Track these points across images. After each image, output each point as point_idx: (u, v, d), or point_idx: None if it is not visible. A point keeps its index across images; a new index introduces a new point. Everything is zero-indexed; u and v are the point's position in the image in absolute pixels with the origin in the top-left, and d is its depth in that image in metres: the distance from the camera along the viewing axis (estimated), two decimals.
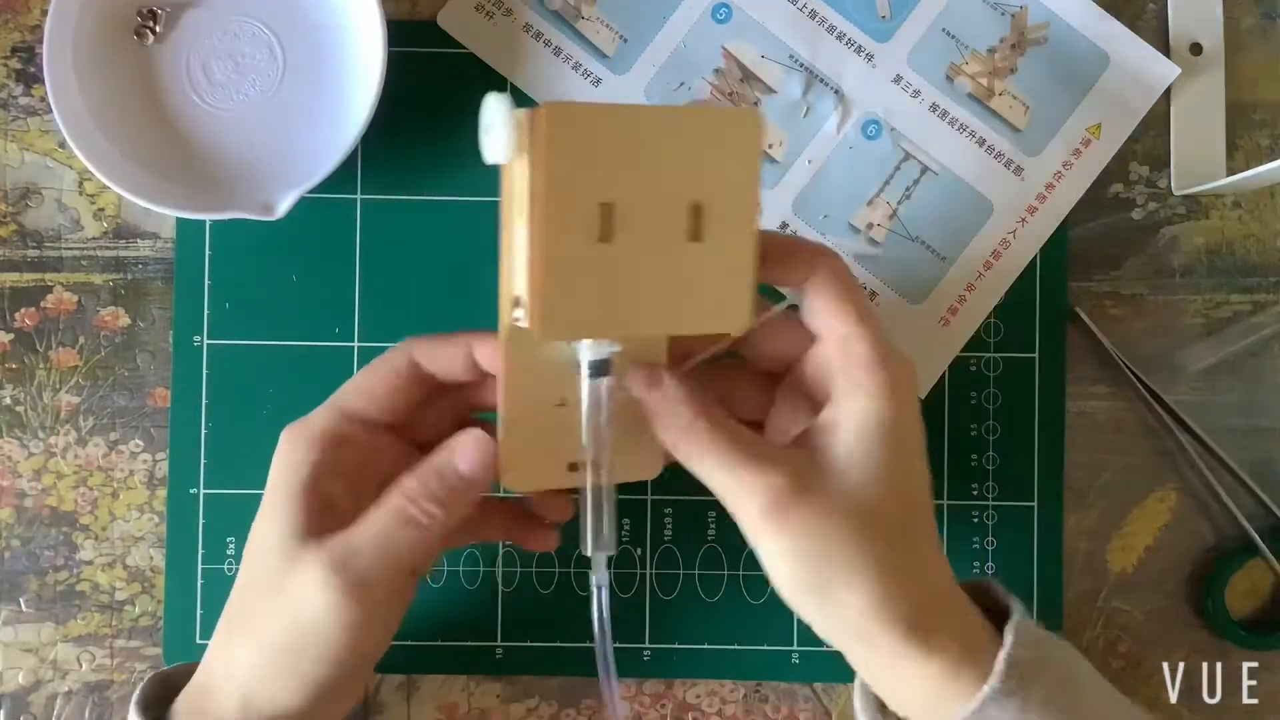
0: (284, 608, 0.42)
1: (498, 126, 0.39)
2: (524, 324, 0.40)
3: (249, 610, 0.43)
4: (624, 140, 0.39)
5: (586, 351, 0.42)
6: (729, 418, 0.42)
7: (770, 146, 0.54)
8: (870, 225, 0.54)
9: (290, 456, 0.43)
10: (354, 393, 0.45)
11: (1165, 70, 0.54)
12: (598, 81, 0.54)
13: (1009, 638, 0.42)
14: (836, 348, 0.42)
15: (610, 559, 0.44)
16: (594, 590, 0.44)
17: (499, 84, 0.54)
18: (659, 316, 0.41)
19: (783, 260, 0.43)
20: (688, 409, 0.42)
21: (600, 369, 0.43)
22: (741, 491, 0.41)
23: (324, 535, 0.42)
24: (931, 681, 0.42)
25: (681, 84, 0.54)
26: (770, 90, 0.54)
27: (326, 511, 0.43)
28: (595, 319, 0.40)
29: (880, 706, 0.46)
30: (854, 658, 0.43)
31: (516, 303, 0.41)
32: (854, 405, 0.41)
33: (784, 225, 0.54)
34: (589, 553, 0.44)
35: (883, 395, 0.41)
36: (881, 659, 0.42)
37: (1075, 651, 0.45)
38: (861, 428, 0.41)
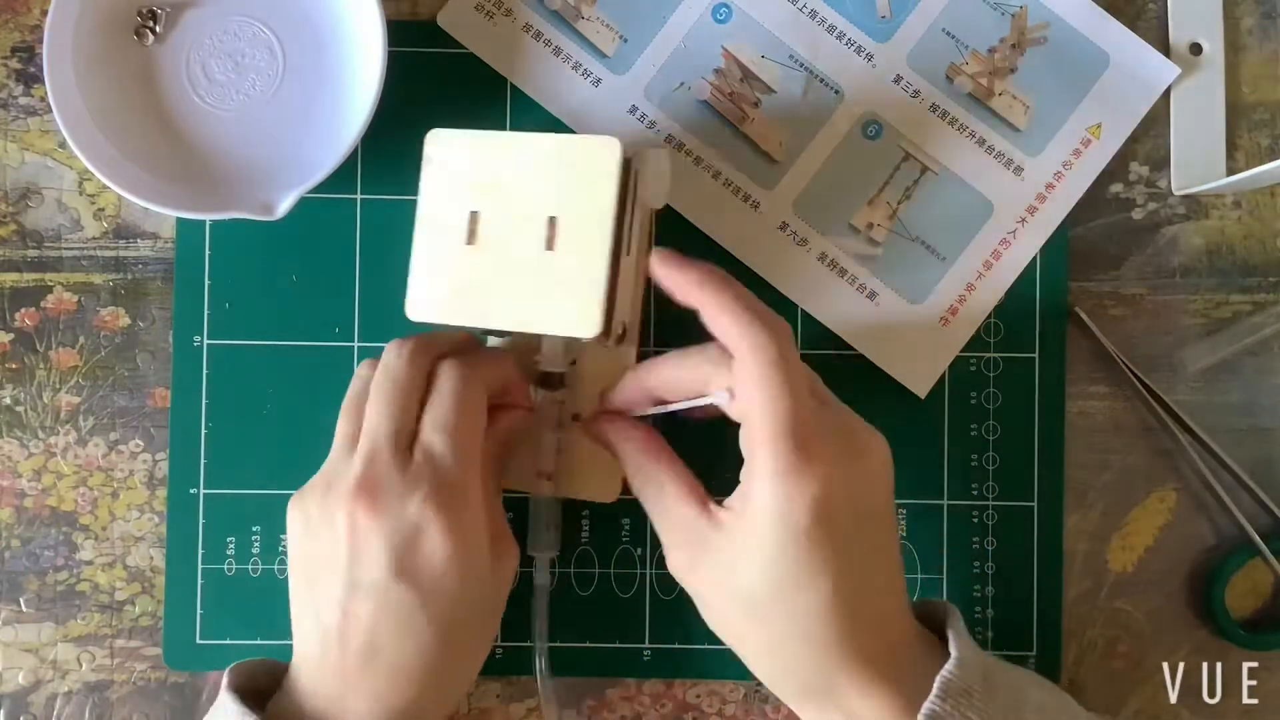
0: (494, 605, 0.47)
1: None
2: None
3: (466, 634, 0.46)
4: (492, 160, 0.47)
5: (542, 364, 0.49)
6: (668, 471, 0.46)
7: (770, 147, 0.54)
8: (870, 225, 0.54)
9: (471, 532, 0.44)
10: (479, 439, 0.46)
11: (1165, 70, 0.54)
12: (598, 82, 0.54)
13: (934, 689, 0.42)
14: (746, 426, 0.44)
15: (553, 560, 0.51)
16: (535, 590, 0.51)
17: (499, 84, 0.54)
18: (515, 314, 0.47)
19: (719, 331, 0.45)
20: (638, 456, 0.47)
21: (548, 381, 0.49)
22: (664, 544, 0.46)
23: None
24: None
25: (681, 84, 0.54)
26: (770, 90, 0.54)
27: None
28: (456, 307, 0.47)
29: None
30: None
31: None
32: (752, 490, 0.43)
33: (784, 225, 0.54)
34: (532, 553, 0.50)
35: (779, 484, 0.42)
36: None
37: (1028, 688, 0.45)
38: (754, 516, 0.43)
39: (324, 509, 0.44)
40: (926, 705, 0.42)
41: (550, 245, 0.46)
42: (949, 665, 0.43)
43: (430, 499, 0.43)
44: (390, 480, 0.43)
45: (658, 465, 0.46)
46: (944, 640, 0.45)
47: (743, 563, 0.43)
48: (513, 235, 0.47)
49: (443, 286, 0.47)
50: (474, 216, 0.47)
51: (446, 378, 0.46)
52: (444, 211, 0.47)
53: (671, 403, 0.47)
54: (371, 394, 0.46)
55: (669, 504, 0.45)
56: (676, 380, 0.46)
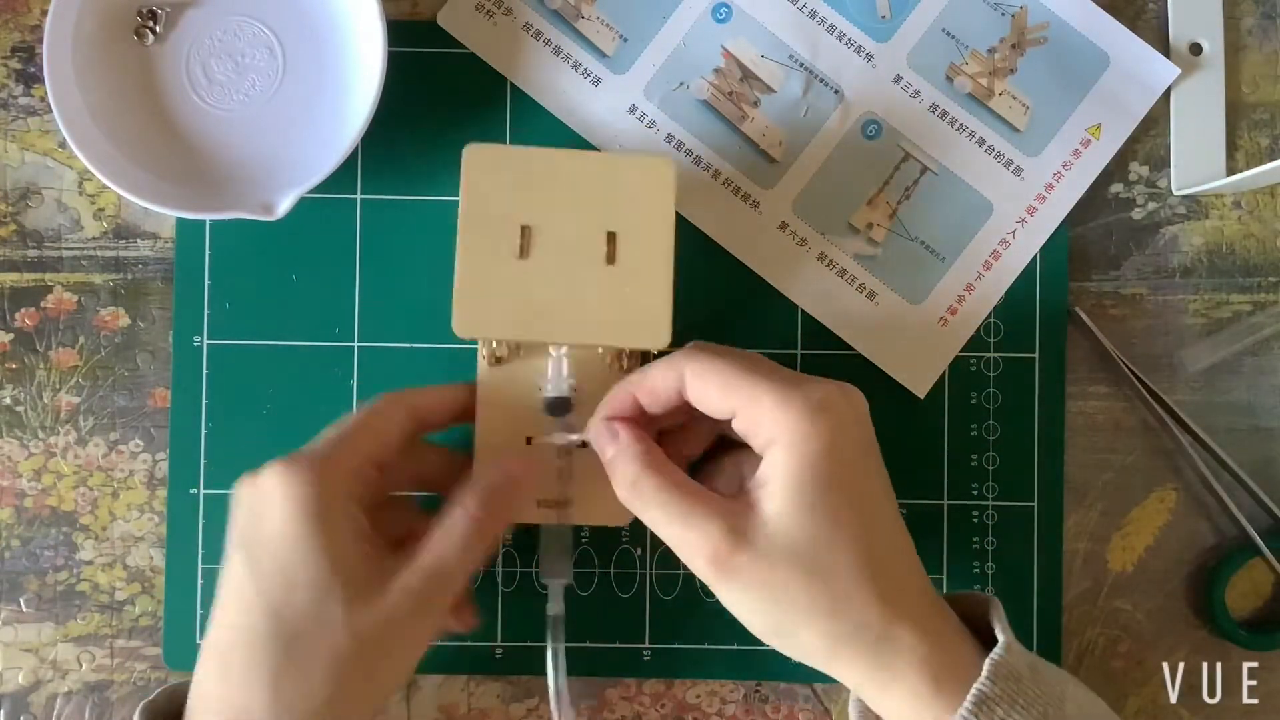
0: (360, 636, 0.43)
1: None
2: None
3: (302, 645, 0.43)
4: (543, 175, 0.47)
5: (548, 388, 0.49)
6: (677, 470, 0.45)
7: (770, 146, 0.54)
8: (870, 225, 0.54)
9: (322, 501, 0.43)
10: (375, 443, 0.46)
11: (1165, 71, 0.54)
12: (597, 81, 0.54)
13: (984, 671, 0.42)
14: (739, 423, 0.45)
15: (567, 588, 0.50)
16: (548, 620, 0.49)
17: (499, 84, 0.54)
18: (575, 328, 0.47)
19: (651, 393, 0.46)
20: (634, 463, 0.45)
21: (557, 406, 0.49)
22: (686, 544, 0.44)
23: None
24: (900, 705, 0.43)
25: (681, 83, 0.54)
26: (770, 90, 0.54)
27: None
28: (507, 321, 0.47)
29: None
30: (832, 674, 0.45)
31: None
32: (775, 460, 0.43)
33: (783, 225, 0.54)
34: (544, 580, 0.49)
35: (798, 446, 0.43)
36: (852, 680, 0.44)
37: (1068, 684, 0.45)
38: (786, 480, 0.43)
39: None
40: (976, 686, 0.42)
41: (611, 260, 0.47)
42: (998, 649, 0.43)
43: (280, 469, 0.43)
44: (272, 464, 0.44)
45: (662, 479, 0.45)
46: (973, 627, 0.45)
47: (781, 520, 0.42)
48: (570, 250, 0.47)
49: (493, 301, 0.47)
50: (525, 231, 0.47)
51: (375, 398, 0.47)
52: (489, 226, 0.47)
53: (656, 410, 0.47)
54: None
55: (684, 506, 0.44)
56: (656, 388, 0.46)
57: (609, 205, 0.47)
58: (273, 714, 0.42)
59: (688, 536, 0.43)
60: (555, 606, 0.49)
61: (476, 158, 0.47)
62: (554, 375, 0.49)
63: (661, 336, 0.47)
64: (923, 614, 0.43)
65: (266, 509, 0.43)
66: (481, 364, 0.50)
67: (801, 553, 0.42)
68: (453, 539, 0.45)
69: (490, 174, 0.47)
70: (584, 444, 0.49)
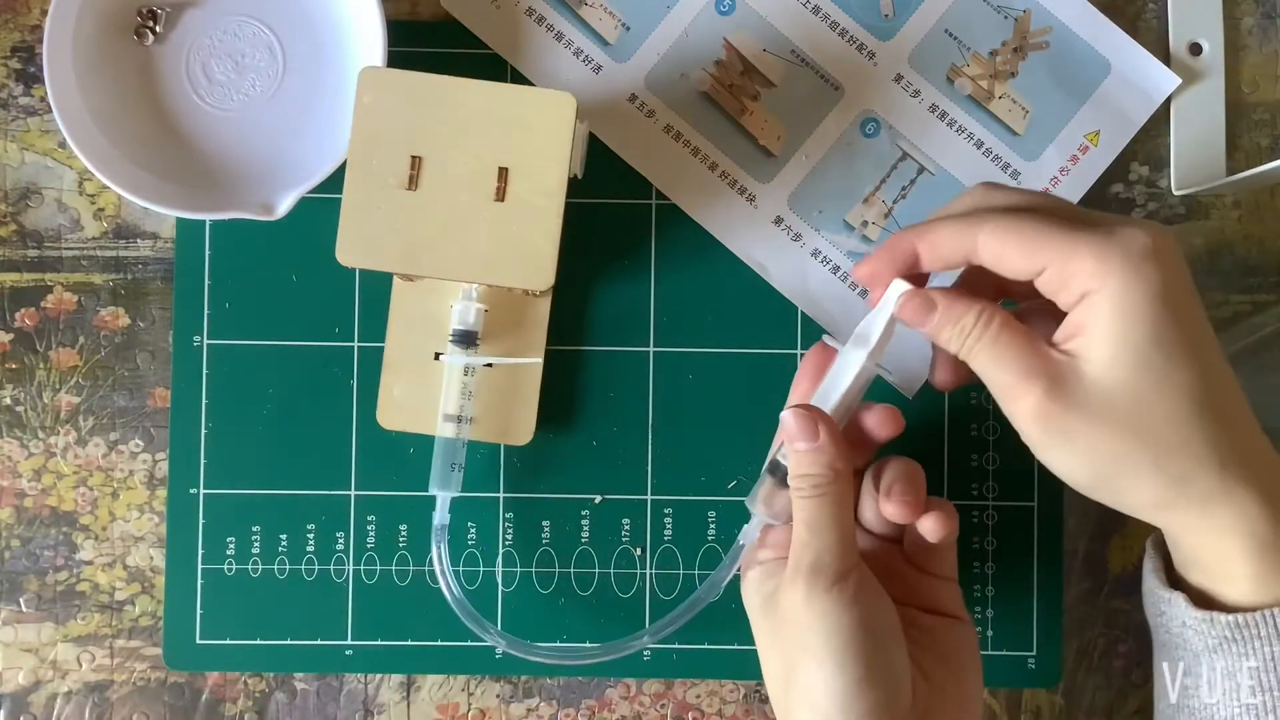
0: None
1: None
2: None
3: None
4: (441, 104, 0.46)
5: (455, 318, 0.50)
6: (1007, 315, 0.42)
7: (768, 141, 0.54)
8: (865, 223, 0.54)
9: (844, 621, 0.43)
10: (846, 541, 0.45)
11: (1166, 80, 0.54)
12: (598, 69, 0.54)
13: None
14: (1046, 280, 0.42)
15: (451, 501, 0.51)
16: (434, 531, 0.50)
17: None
18: (459, 264, 0.46)
19: (934, 248, 0.43)
20: (969, 310, 0.42)
21: (464, 339, 0.49)
22: (1010, 395, 0.42)
23: None
24: (1234, 543, 0.41)
25: (682, 74, 0.54)
26: (770, 84, 0.54)
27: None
28: (392, 254, 0.46)
29: (1167, 567, 0.46)
30: (1156, 524, 0.44)
31: None
32: (1094, 313, 0.40)
33: (778, 220, 0.54)
34: (433, 492, 0.50)
35: (1121, 298, 0.40)
36: (1175, 530, 0.43)
37: None
38: (1108, 333, 0.40)
39: None
40: None
41: (500, 196, 0.46)
42: None
43: (813, 608, 0.44)
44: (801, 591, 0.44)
45: (991, 323, 0.42)
46: None
47: (1105, 374, 0.40)
48: (459, 183, 0.46)
49: (378, 232, 0.46)
50: (415, 161, 0.46)
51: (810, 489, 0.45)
52: (380, 154, 0.46)
53: (932, 268, 0.44)
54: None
55: (1012, 355, 0.42)
56: (941, 244, 0.43)
57: (504, 139, 0.46)
58: None
59: (1014, 388, 0.42)
60: (441, 517, 0.51)
61: (372, 80, 0.46)
62: (460, 309, 0.50)
63: (545, 278, 0.46)
64: (1261, 474, 0.41)
65: (811, 637, 0.43)
66: (396, 280, 0.51)
67: (1125, 408, 0.40)
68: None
69: (386, 100, 0.46)
70: (489, 364, 0.51)
